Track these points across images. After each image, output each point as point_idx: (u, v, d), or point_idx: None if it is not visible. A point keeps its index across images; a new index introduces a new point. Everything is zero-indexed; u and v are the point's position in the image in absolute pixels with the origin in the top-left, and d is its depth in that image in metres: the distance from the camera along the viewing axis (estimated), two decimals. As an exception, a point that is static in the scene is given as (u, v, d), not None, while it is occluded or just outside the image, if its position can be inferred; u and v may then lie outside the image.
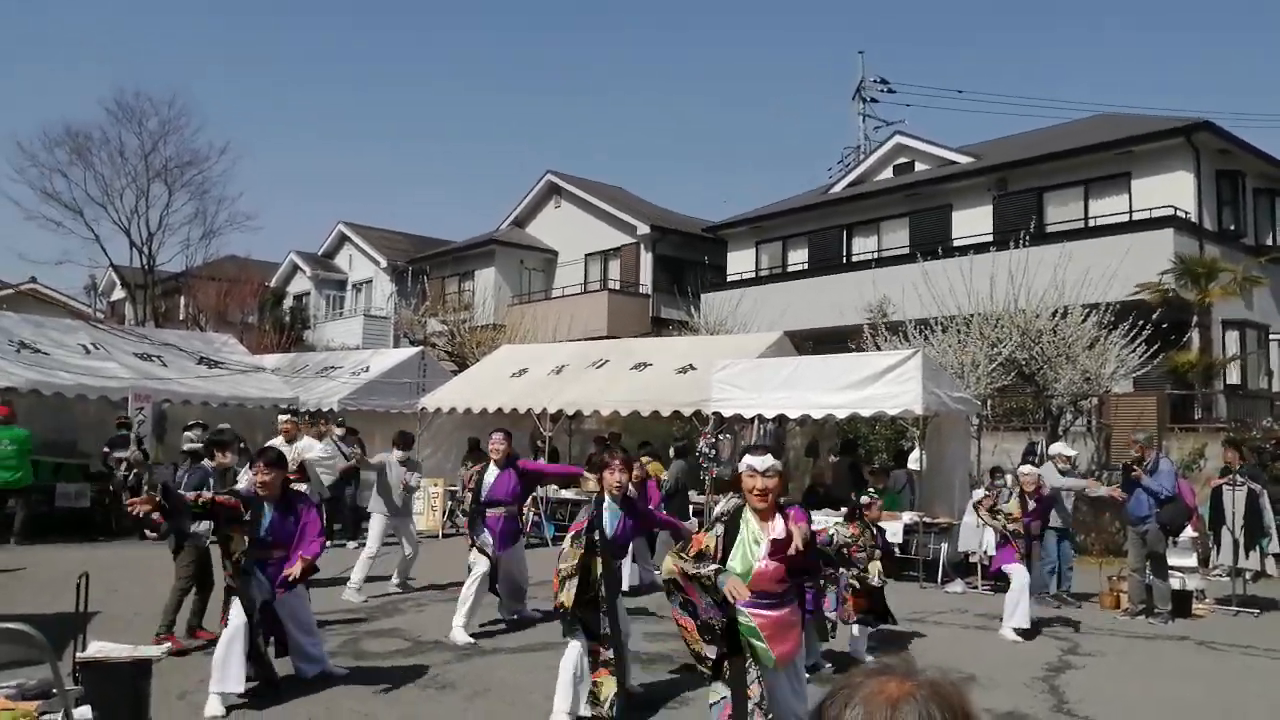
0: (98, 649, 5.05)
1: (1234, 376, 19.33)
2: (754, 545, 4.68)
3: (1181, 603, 10.28)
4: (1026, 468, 9.81)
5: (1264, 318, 20.40)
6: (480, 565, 8.37)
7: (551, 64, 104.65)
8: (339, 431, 14.24)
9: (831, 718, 1.29)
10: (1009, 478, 12.14)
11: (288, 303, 38.73)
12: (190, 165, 29.12)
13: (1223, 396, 18.87)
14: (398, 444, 10.71)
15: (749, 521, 4.73)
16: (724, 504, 5.00)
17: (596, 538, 6.07)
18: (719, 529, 4.76)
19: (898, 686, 1.28)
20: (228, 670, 6.04)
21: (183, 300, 34.40)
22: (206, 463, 8.11)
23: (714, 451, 13.68)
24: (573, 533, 6.14)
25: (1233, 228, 20.11)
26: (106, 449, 14.19)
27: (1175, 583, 10.63)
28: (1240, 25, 79.28)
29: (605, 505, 6.28)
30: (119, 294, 37.69)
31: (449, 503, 15.61)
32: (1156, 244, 18.30)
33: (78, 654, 5.26)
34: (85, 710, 4.70)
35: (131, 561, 11.34)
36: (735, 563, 4.64)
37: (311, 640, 6.82)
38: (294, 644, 6.72)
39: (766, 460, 4.71)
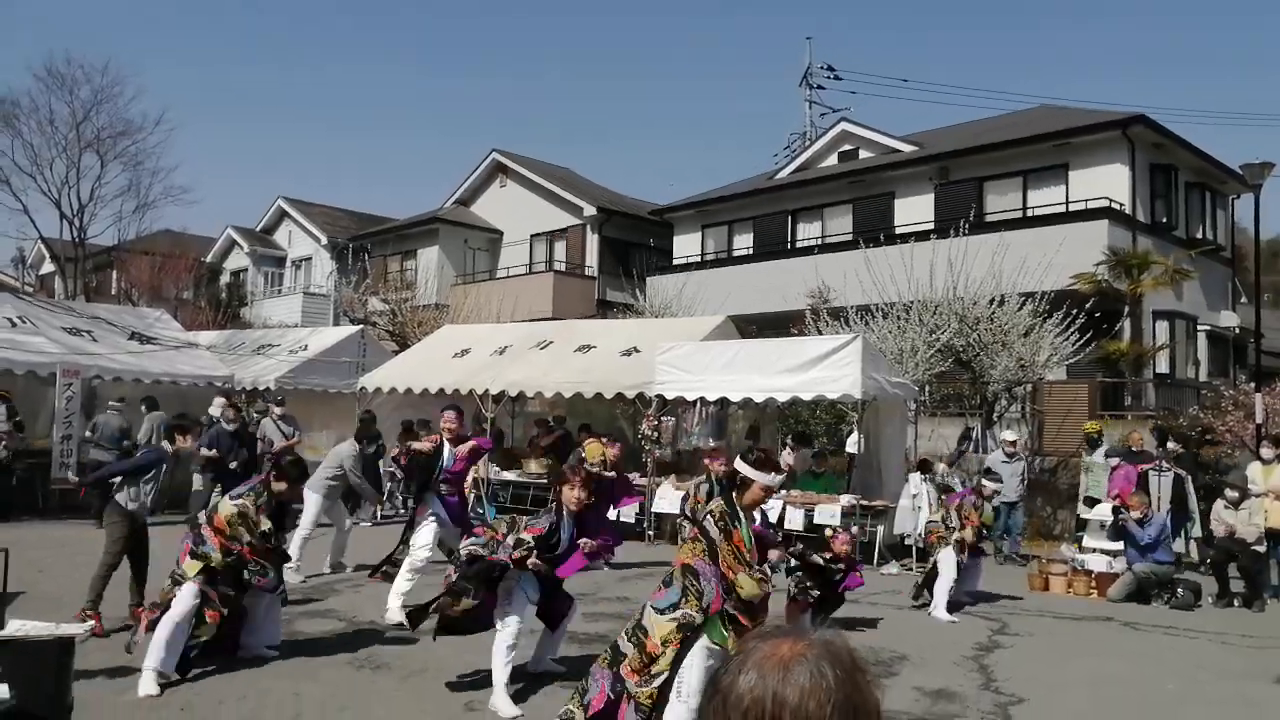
0: (17, 627, 4.90)
1: (1163, 366, 19.88)
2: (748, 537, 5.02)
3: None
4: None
5: (1193, 309, 21.00)
6: (423, 550, 8.25)
7: (499, 44, 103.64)
8: (278, 411, 14.00)
9: (725, 685, 1.27)
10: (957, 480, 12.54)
11: (224, 279, 37.88)
12: (124, 136, 27.99)
13: (1152, 385, 19.39)
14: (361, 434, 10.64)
15: (740, 517, 4.99)
16: (714, 503, 5.11)
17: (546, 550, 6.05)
18: (743, 527, 4.97)
19: (790, 648, 1.27)
20: (171, 649, 6.00)
21: (115, 275, 33.44)
22: (166, 445, 7.79)
23: (656, 434, 13.73)
24: (529, 535, 6.00)
25: (1165, 220, 20.60)
26: None
27: (1101, 564, 10.93)
28: (1182, 23, 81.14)
29: (564, 519, 6.17)
30: (48, 267, 36.49)
31: (388, 484, 15.43)
32: (1091, 235, 18.71)
33: (-4, 633, 5.10)
34: (3, 689, 4.56)
35: (60, 541, 11.04)
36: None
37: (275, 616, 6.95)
38: (266, 617, 6.80)
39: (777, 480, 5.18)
